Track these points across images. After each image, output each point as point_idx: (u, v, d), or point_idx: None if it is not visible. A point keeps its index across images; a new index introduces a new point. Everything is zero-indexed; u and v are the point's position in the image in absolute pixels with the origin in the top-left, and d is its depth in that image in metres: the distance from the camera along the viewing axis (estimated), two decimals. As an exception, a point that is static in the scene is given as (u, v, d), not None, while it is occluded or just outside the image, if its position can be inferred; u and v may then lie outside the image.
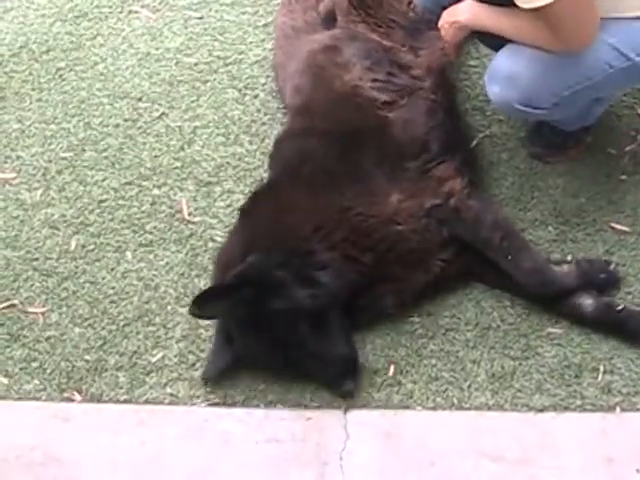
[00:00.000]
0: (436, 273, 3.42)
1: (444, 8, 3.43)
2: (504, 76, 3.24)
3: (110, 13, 4.47)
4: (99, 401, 3.45)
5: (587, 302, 3.35)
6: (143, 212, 3.84)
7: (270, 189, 3.58)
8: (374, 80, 3.62)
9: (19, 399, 3.48)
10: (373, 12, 3.85)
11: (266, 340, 3.27)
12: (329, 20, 3.87)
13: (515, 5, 2.95)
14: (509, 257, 3.34)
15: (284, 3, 4.12)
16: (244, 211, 3.57)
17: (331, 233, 3.32)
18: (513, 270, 3.35)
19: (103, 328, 3.59)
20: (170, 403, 3.41)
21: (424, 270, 3.41)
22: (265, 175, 3.78)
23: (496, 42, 3.39)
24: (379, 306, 3.40)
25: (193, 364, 3.47)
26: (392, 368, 3.37)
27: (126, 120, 4.11)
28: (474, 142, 3.76)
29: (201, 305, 3.28)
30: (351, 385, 3.26)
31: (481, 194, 3.54)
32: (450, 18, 3.33)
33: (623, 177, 3.67)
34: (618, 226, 3.56)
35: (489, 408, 3.27)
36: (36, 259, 3.78)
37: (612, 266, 3.44)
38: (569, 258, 3.47)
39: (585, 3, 2.94)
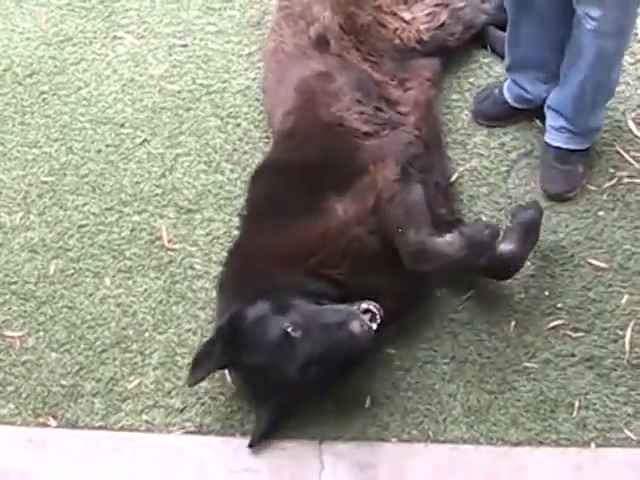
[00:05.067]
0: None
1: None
2: None
3: (95, 38, 4.48)
4: (74, 427, 3.44)
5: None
6: (123, 238, 3.84)
7: (241, 236, 3.60)
8: (361, 113, 3.66)
9: (-7, 423, 3.47)
10: (363, 38, 3.90)
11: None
12: (321, 44, 3.91)
13: None
14: (399, 230, 3.30)
15: (273, 28, 4.14)
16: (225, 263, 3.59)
17: (298, 263, 3.31)
18: (399, 243, 3.30)
19: (80, 353, 3.59)
20: (146, 430, 3.41)
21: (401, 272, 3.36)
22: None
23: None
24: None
25: (169, 391, 3.47)
26: (368, 400, 3.37)
27: (108, 146, 4.11)
28: (454, 176, 3.78)
29: (194, 370, 3.27)
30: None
31: (410, 180, 3.45)
32: None
33: (601, 213, 3.70)
34: (596, 262, 3.59)
35: (464, 441, 3.29)
36: (14, 283, 3.77)
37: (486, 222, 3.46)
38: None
39: None
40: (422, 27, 3.96)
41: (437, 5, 4.03)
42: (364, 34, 3.91)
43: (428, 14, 3.99)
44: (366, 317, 3.15)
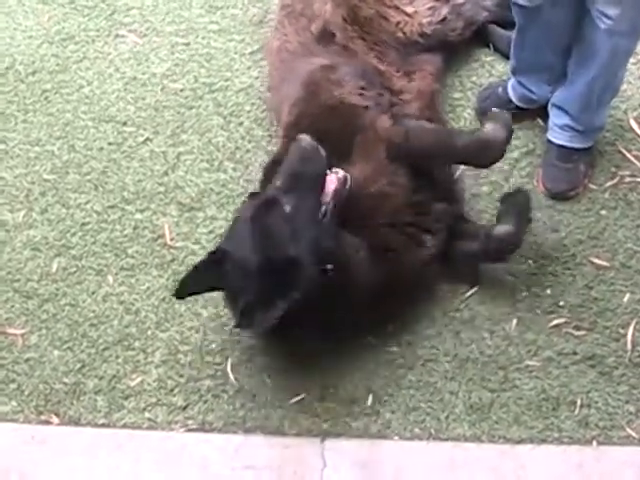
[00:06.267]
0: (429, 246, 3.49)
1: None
2: None
3: (97, 37, 4.48)
4: (77, 424, 3.45)
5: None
6: (125, 236, 3.84)
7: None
8: (362, 95, 3.68)
9: (-4, 420, 3.48)
10: (367, 29, 3.92)
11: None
12: (325, 37, 3.92)
13: None
14: (445, 148, 3.48)
15: (277, 27, 4.14)
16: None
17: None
18: (454, 154, 3.49)
19: (82, 351, 3.59)
20: (148, 428, 3.42)
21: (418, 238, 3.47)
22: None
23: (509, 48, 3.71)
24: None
25: (172, 389, 3.48)
26: (370, 397, 3.38)
27: (110, 144, 4.11)
28: (456, 174, 3.77)
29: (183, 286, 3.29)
30: None
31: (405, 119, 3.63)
32: None
33: (603, 212, 3.71)
34: (597, 261, 3.60)
35: (466, 439, 3.29)
36: (17, 280, 3.78)
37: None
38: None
39: None
40: (424, 20, 3.97)
41: (437, 0, 4.04)
42: (367, 26, 3.93)
43: (429, 8, 3.99)
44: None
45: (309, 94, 3.74)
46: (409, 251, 3.43)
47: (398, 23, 3.95)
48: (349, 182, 3.29)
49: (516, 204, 3.56)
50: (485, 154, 3.42)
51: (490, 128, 3.40)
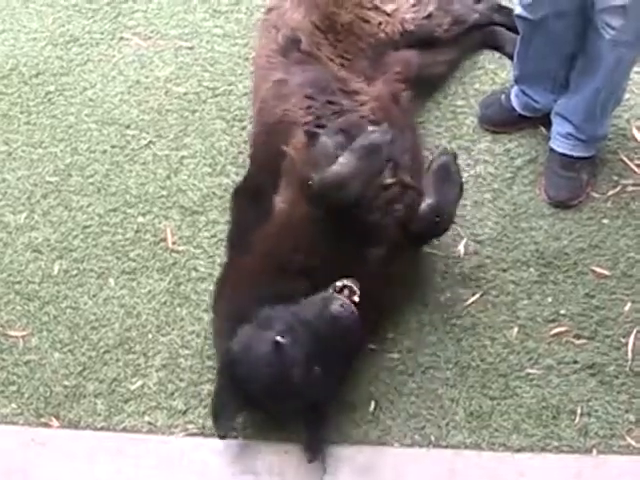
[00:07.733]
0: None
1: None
2: None
3: (101, 39, 4.48)
4: (77, 427, 3.45)
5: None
6: (127, 239, 3.84)
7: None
8: (308, 107, 3.61)
9: (-4, 422, 3.47)
10: (342, 37, 3.87)
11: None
12: (290, 46, 3.86)
13: None
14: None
15: (256, 42, 4.15)
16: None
17: (270, 273, 3.28)
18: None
19: (83, 354, 3.59)
20: (148, 432, 3.41)
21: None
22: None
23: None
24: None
25: (172, 393, 3.48)
26: (372, 404, 3.38)
27: (113, 147, 4.12)
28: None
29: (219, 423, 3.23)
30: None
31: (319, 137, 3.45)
32: None
33: (605, 221, 3.71)
34: (599, 269, 3.60)
35: (466, 447, 3.29)
36: (18, 282, 3.78)
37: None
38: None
39: None
40: (407, 17, 3.94)
41: None
42: (345, 33, 3.87)
43: (414, 4, 3.98)
44: (344, 295, 3.12)
45: (259, 113, 3.76)
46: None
47: (379, 24, 3.91)
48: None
49: (437, 169, 3.35)
50: (324, 195, 3.22)
51: (339, 161, 3.22)
